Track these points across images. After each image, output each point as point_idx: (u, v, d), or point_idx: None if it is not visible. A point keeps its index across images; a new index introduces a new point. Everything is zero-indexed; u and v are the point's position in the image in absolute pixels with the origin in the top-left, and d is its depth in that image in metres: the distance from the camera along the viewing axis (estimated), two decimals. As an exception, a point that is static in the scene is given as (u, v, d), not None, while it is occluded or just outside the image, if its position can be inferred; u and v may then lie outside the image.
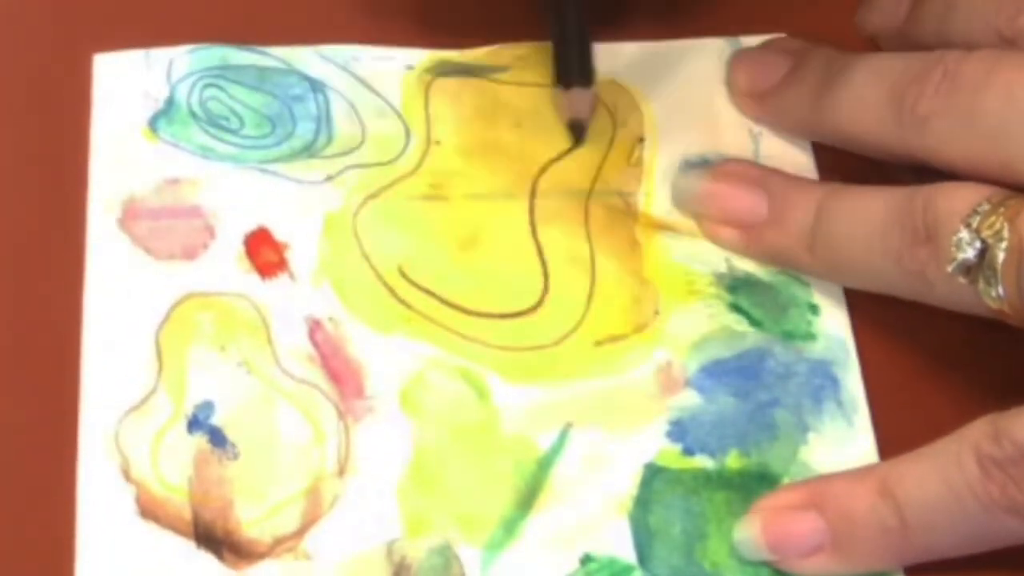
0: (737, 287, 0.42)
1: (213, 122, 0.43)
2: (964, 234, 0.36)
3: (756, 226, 0.41)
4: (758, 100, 0.44)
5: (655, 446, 0.39)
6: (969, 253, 0.36)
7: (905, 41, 0.43)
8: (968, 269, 0.36)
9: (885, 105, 0.39)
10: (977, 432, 0.36)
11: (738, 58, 0.44)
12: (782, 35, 0.45)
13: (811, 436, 0.39)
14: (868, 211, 0.39)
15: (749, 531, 0.38)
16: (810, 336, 0.41)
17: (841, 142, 0.42)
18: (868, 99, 0.40)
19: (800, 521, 0.37)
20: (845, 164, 0.42)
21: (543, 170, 0.43)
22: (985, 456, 0.35)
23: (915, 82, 0.39)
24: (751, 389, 0.40)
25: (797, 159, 0.43)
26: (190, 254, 0.41)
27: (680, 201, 0.43)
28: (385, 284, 0.41)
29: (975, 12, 0.40)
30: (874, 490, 0.37)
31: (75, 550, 0.37)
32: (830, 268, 0.40)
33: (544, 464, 0.39)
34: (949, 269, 0.37)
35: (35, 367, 0.40)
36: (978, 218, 0.36)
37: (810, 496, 0.38)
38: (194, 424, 0.39)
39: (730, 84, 0.44)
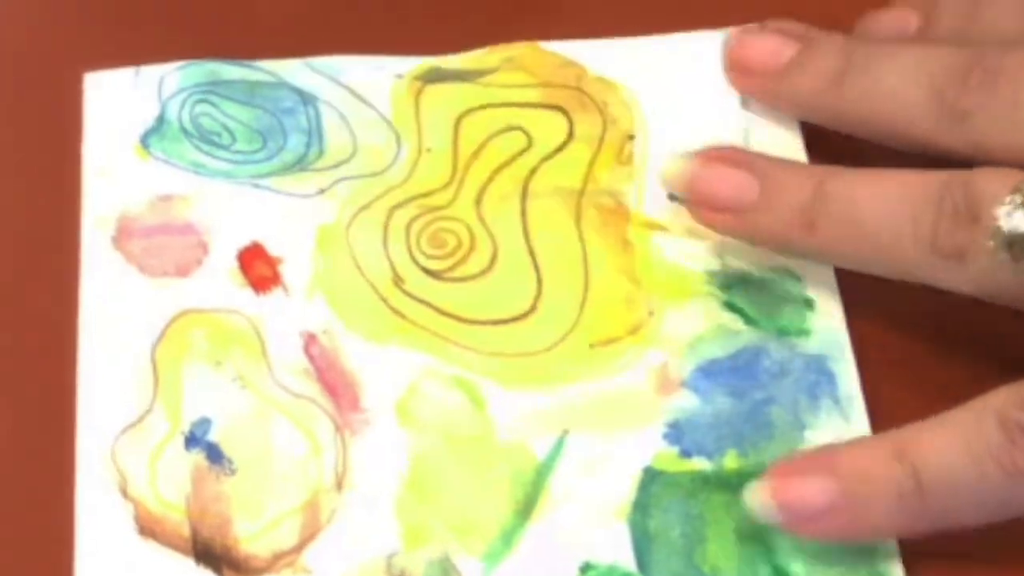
0: (731, 285, 0.41)
1: (205, 138, 0.43)
2: (1009, 207, 0.36)
3: (747, 209, 0.40)
4: (759, 81, 0.43)
5: (652, 449, 0.39)
6: (1017, 223, 0.36)
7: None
8: (1011, 244, 0.36)
9: (924, 100, 0.39)
10: (1001, 398, 0.35)
11: (738, 37, 0.44)
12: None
13: (808, 434, 0.39)
14: (890, 192, 0.38)
15: (760, 493, 0.37)
16: (804, 332, 0.40)
17: (864, 131, 0.41)
18: (903, 93, 0.39)
19: (812, 483, 0.36)
20: (840, 156, 0.42)
21: (534, 171, 0.43)
22: (1011, 422, 0.35)
23: (955, 77, 0.38)
24: (747, 388, 0.40)
25: (790, 152, 0.43)
26: (184, 271, 0.41)
27: (668, 186, 0.42)
28: (379, 295, 0.41)
29: (1004, 11, 0.41)
30: (890, 454, 0.36)
31: (74, 568, 0.37)
32: (837, 250, 0.39)
33: (542, 472, 0.39)
34: (992, 244, 0.36)
35: (31, 386, 0.40)
36: (1020, 196, 0.36)
37: (824, 459, 0.37)
38: (191, 441, 0.39)
39: (728, 62, 0.44)
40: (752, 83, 0.43)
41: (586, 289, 0.41)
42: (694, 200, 0.41)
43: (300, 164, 0.43)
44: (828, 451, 0.37)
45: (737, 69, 0.44)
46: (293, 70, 0.44)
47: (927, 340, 0.40)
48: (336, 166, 0.43)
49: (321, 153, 0.43)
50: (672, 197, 0.42)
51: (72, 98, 0.43)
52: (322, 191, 0.43)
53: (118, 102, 0.44)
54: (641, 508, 0.38)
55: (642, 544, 0.38)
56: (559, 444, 0.39)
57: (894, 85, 0.40)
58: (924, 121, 0.39)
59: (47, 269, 0.41)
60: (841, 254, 0.40)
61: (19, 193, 0.43)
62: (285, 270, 0.41)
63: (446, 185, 0.43)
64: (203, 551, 0.38)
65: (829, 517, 0.36)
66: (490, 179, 0.43)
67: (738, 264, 0.41)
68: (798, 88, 0.42)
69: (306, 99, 0.44)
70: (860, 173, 0.39)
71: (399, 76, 0.44)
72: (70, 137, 0.43)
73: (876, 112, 0.40)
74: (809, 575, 0.37)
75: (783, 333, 0.40)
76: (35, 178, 0.43)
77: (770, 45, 0.43)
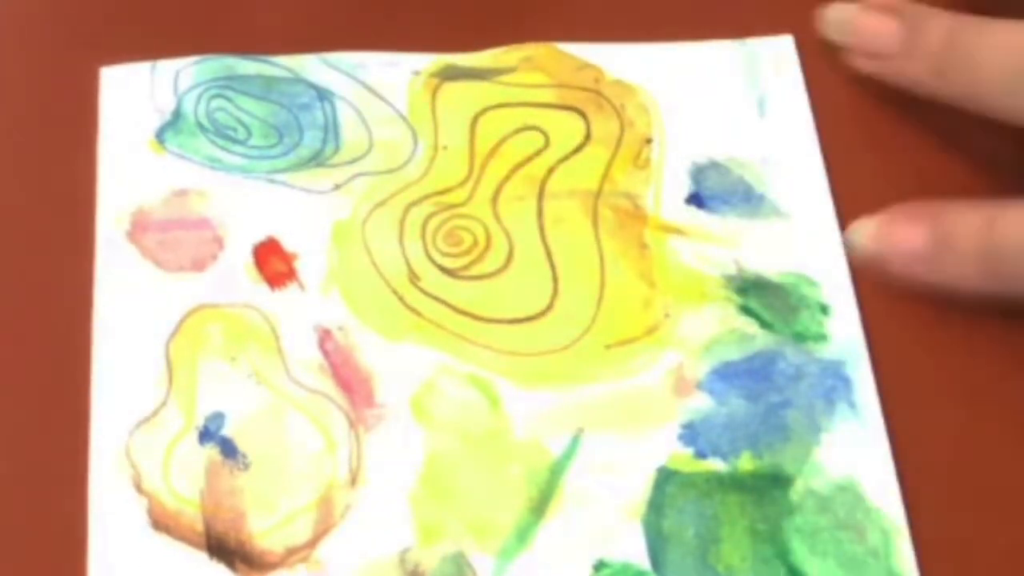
0: (747, 289, 0.41)
1: (220, 133, 0.43)
2: None
3: (891, 55, 0.42)
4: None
5: (667, 449, 0.39)
6: None
7: None
8: None
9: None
10: None
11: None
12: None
13: (824, 437, 0.39)
14: (1005, 47, 0.40)
15: (862, 229, 0.41)
16: (821, 337, 0.41)
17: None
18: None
19: (910, 227, 0.40)
20: (858, 165, 0.42)
21: (551, 171, 0.43)
22: None
23: None
24: (762, 391, 0.40)
25: (806, 162, 0.43)
26: (199, 266, 0.41)
27: (829, 28, 0.44)
28: (394, 292, 0.41)
29: None
30: (983, 220, 0.39)
31: (87, 563, 0.37)
32: (958, 97, 0.41)
33: (556, 470, 0.39)
34: None
35: (45, 380, 0.40)
36: None
37: (926, 211, 0.40)
38: (205, 435, 0.39)
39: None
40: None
41: (602, 290, 0.41)
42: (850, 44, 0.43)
43: (316, 160, 0.43)
44: (934, 205, 0.40)
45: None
46: (309, 65, 0.44)
47: (945, 346, 0.41)
48: (352, 162, 0.43)
49: (337, 149, 0.43)
50: None
51: (88, 92, 0.43)
52: (338, 187, 0.43)
53: (134, 96, 0.43)
54: (655, 508, 0.38)
55: (656, 543, 0.38)
56: (574, 442, 0.39)
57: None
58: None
59: (62, 263, 0.41)
60: (966, 99, 0.41)
61: (35, 187, 0.42)
62: (300, 266, 0.41)
63: (462, 183, 0.43)
64: (216, 546, 0.38)
65: (918, 262, 0.40)
66: (507, 178, 0.43)
67: (755, 268, 0.42)
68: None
69: (322, 95, 0.44)
70: (985, 25, 0.41)
71: (416, 73, 0.44)
72: (86, 131, 0.43)
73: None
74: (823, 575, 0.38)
75: (799, 338, 0.41)
76: (51, 172, 0.43)
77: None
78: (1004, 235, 0.39)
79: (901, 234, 0.41)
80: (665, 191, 0.43)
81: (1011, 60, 0.40)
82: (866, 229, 0.42)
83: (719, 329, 0.41)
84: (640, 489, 0.39)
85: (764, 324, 0.41)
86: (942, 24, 0.42)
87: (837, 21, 0.44)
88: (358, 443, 0.39)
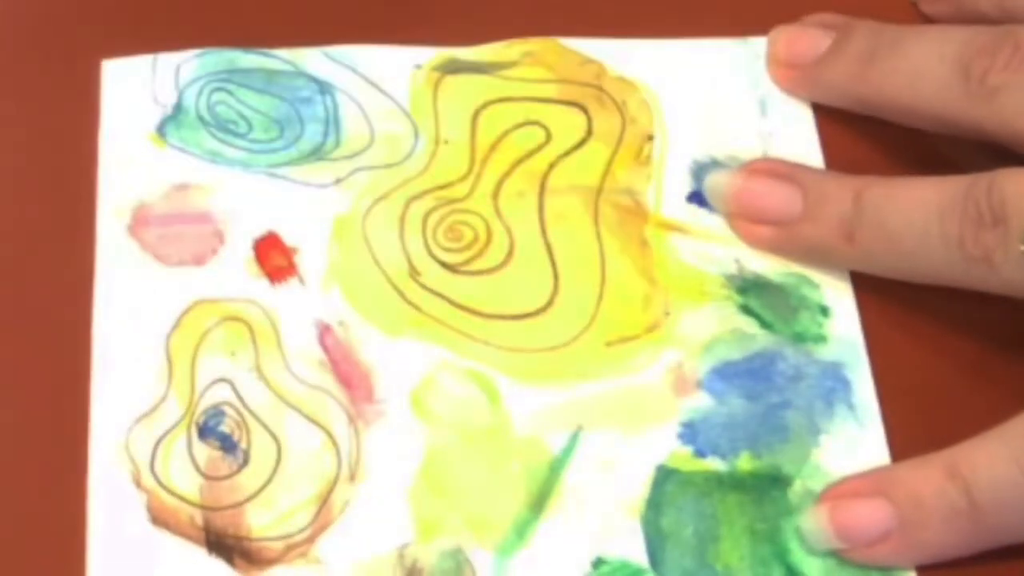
0: (747, 289, 0.41)
1: (221, 126, 0.43)
2: None
3: (790, 222, 0.41)
4: (801, 72, 0.43)
5: (666, 448, 0.39)
6: None
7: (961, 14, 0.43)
8: None
9: (950, 76, 0.39)
10: None
11: (778, 32, 0.44)
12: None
13: (823, 438, 0.39)
14: (921, 198, 0.38)
15: (816, 520, 0.37)
16: (821, 338, 0.41)
17: (894, 114, 0.41)
18: (930, 70, 0.40)
19: (867, 507, 0.37)
20: (858, 165, 0.42)
21: (552, 166, 0.43)
22: None
23: (983, 54, 0.39)
24: (762, 391, 0.40)
25: (807, 160, 0.43)
26: (199, 260, 0.41)
27: (714, 201, 0.42)
28: (395, 287, 0.41)
29: None
30: (942, 473, 0.36)
31: (87, 558, 0.37)
32: (874, 258, 0.40)
33: (555, 467, 0.39)
34: (1020, 245, 0.36)
35: (45, 375, 0.40)
36: None
37: (876, 483, 0.37)
38: (205, 431, 0.39)
39: (770, 58, 0.44)
40: (791, 75, 0.44)
41: (602, 287, 0.41)
42: (738, 214, 0.42)
43: (317, 153, 0.43)
44: (880, 473, 0.38)
45: (778, 64, 0.44)
46: (311, 59, 0.44)
47: (943, 348, 0.40)
48: (353, 156, 0.43)
49: (338, 143, 0.43)
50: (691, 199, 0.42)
51: (89, 85, 0.43)
52: (339, 181, 0.43)
53: (135, 90, 0.43)
54: (654, 506, 0.38)
55: (655, 542, 0.38)
56: (573, 439, 0.39)
57: (921, 61, 0.40)
58: (952, 97, 0.39)
59: (63, 257, 0.41)
60: (877, 263, 0.40)
61: (35, 181, 0.42)
62: (301, 260, 0.41)
63: (463, 177, 0.43)
64: (215, 542, 0.38)
65: (887, 543, 0.37)
66: (508, 173, 0.43)
67: (755, 268, 0.42)
68: (832, 74, 0.42)
69: (323, 88, 0.44)
70: (894, 182, 0.39)
71: (417, 66, 0.44)
72: (87, 124, 0.43)
73: (904, 90, 0.40)
74: (822, 575, 0.38)
75: (799, 339, 0.41)
76: (52, 166, 0.42)
77: (809, 38, 0.43)
78: (867, 202, 0.39)
79: (774, 193, 0.41)
80: (666, 188, 0.43)
81: (919, 217, 0.38)
82: (726, 180, 0.41)
83: (719, 328, 0.41)
84: (639, 487, 0.39)
85: (764, 324, 0.41)
86: (846, 187, 0.40)
87: (721, 193, 0.42)
88: (357, 439, 0.39)
